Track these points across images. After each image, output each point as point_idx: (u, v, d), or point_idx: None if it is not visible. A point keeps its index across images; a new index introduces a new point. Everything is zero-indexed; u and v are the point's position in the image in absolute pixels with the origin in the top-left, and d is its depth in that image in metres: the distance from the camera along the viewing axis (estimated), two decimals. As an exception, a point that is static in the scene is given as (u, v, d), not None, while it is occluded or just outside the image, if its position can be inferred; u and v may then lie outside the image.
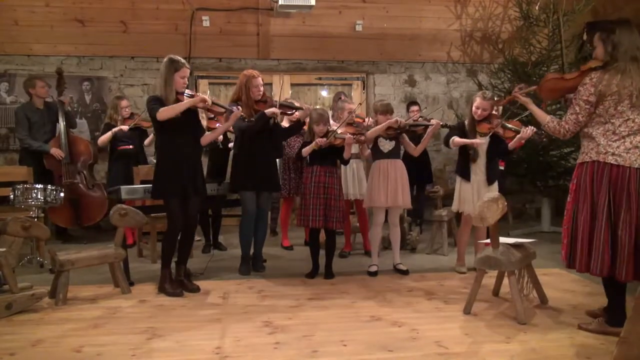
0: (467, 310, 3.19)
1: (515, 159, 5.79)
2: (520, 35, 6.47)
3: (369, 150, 4.42)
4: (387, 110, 4.22)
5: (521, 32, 6.46)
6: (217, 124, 4.45)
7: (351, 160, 4.41)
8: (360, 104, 5.91)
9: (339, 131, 4.07)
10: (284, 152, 5.01)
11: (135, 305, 3.40)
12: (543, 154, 5.94)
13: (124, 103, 5.51)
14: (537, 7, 6.21)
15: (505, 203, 3.25)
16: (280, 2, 5.90)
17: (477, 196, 4.05)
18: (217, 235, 5.33)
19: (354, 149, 4.52)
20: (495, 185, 4.18)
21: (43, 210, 4.57)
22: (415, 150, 4.38)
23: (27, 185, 4.43)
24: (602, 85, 2.70)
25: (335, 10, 6.50)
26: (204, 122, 4.53)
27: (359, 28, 6.64)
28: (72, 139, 5.50)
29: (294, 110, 4.36)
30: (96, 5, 6.11)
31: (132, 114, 5.55)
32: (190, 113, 3.64)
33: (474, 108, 4.11)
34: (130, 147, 5.42)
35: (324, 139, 3.98)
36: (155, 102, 3.53)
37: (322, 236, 4.19)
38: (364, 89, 7.13)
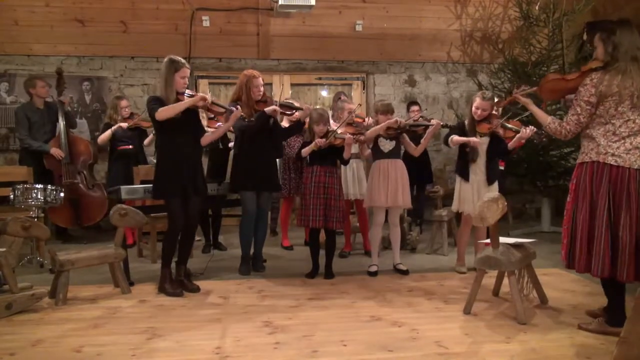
0: (467, 310, 3.19)
1: (515, 159, 5.79)
2: (520, 35, 6.47)
3: (369, 150, 4.41)
4: (388, 110, 4.22)
5: (521, 32, 6.46)
6: (217, 124, 4.45)
7: (351, 160, 4.42)
8: (360, 104, 5.90)
9: (339, 131, 4.07)
10: (284, 152, 5.00)
11: (135, 305, 3.40)
12: (543, 154, 5.93)
13: (123, 103, 5.52)
14: (537, 7, 6.21)
15: (505, 203, 3.25)
16: (280, 2, 5.89)
17: (477, 196, 4.05)
18: (217, 235, 5.33)
19: (354, 149, 4.52)
20: (495, 185, 4.18)
21: (43, 210, 4.57)
22: (416, 151, 4.38)
23: (27, 185, 4.43)
24: (602, 85, 2.70)
25: (335, 10, 6.50)
26: (204, 122, 4.53)
27: (359, 28, 6.64)
28: (72, 139, 5.50)
29: (294, 111, 4.35)
30: (96, 5, 6.11)
31: (131, 114, 5.57)
32: (190, 113, 3.64)
33: (473, 108, 4.12)
34: (130, 147, 5.43)
35: (324, 139, 3.98)
36: (156, 102, 3.54)
37: (322, 236, 4.19)
38: (364, 89, 7.13)
